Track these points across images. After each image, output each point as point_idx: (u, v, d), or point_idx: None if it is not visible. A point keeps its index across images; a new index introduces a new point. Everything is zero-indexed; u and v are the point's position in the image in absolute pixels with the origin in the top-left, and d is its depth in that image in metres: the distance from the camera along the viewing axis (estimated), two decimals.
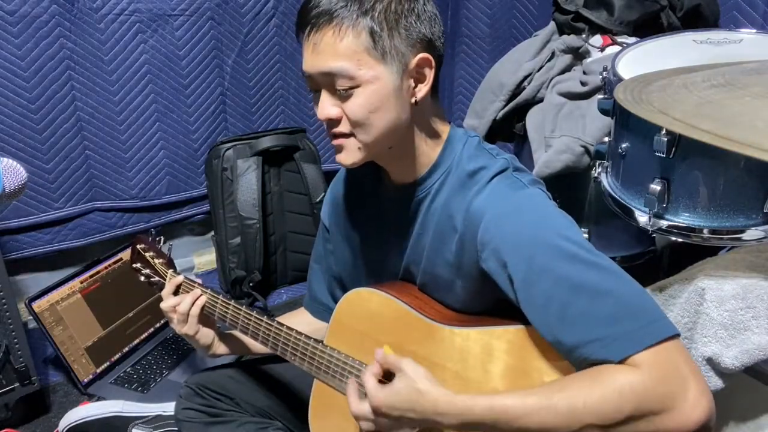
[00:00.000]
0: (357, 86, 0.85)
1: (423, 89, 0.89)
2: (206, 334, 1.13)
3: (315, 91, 0.90)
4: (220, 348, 1.16)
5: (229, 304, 1.10)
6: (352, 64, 0.84)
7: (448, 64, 2.47)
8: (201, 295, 1.12)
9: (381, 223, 1.03)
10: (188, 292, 1.13)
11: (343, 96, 0.86)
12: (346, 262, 1.13)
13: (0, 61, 1.77)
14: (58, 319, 1.71)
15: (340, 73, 0.84)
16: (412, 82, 0.88)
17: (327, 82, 0.87)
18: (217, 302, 1.11)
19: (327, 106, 0.88)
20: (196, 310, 1.11)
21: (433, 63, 0.88)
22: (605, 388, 0.73)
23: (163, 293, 1.15)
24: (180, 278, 1.15)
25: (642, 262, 1.61)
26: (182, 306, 1.10)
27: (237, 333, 1.15)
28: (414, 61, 0.86)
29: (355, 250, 1.10)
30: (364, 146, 0.90)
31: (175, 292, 1.15)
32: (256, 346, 1.16)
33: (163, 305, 1.12)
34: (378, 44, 0.84)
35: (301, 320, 1.19)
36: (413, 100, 0.89)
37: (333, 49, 0.84)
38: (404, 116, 0.89)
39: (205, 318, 1.14)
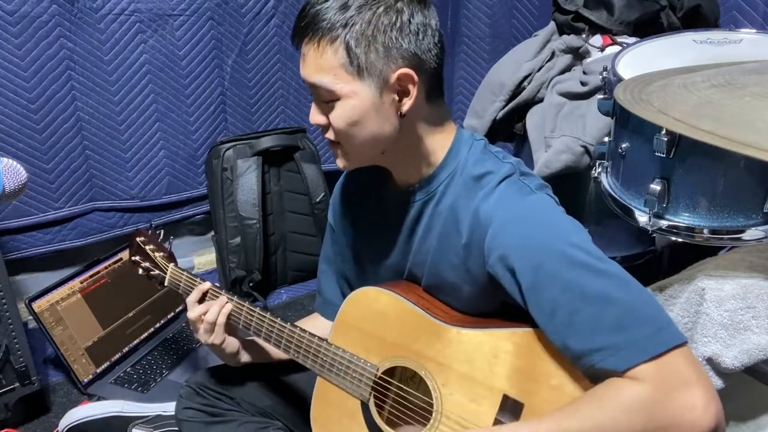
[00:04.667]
0: (337, 99, 0.87)
1: (408, 103, 0.88)
2: (232, 343, 1.12)
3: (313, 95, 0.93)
4: (245, 356, 1.15)
5: (243, 306, 1.10)
6: (330, 78, 0.86)
7: (448, 64, 2.46)
8: (227, 302, 1.10)
9: (385, 223, 1.03)
10: (213, 299, 1.11)
11: (326, 107, 0.89)
12: (350, 261, 1.13)
13: (0, 61, 1.77)
14: (58, 319, 1.71)
15: (320, 86, 0.87)
16: (395, 96, 0.88)
17: (315, 91, 0.90)
18: (242, 309, 1.10)
19: (315, 114, 0.92)
20: (222, 320, 1.09)
21: (416, 78, 0.87)
22: (614, 407, 0.73)
23: (188, 301, 1.12)
24: (207, 285, 1.13)
25: (642, 262, 1.61)
26: (210, 315, 1.08)
27: (255, 338, 1.14)
28: (394, 76, 0.86)
29: (359, 250, 1.10)
30: (351, 154, 0.93)
31: (200, 300, 1.12)
32: (271, 350, 1.16)
33: (190, 315, 1.09)
34: (354, 61, 0.85)
35: (313, 325, 1.18)
36: (399, 113, 0.89)
37: (315, 64, 0.86)
38: (388, 128, 0.89)
39: (229, 326, 1.12)
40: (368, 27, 0.84)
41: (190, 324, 1.11)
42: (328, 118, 0.90)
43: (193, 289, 1.13)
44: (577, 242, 0.81)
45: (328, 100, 0.88)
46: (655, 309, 0.77)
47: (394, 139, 0.91)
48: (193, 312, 1.09)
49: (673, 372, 0.73)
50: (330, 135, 0.92)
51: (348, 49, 0.84)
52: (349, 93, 0.86)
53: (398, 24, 0.85)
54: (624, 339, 0.75)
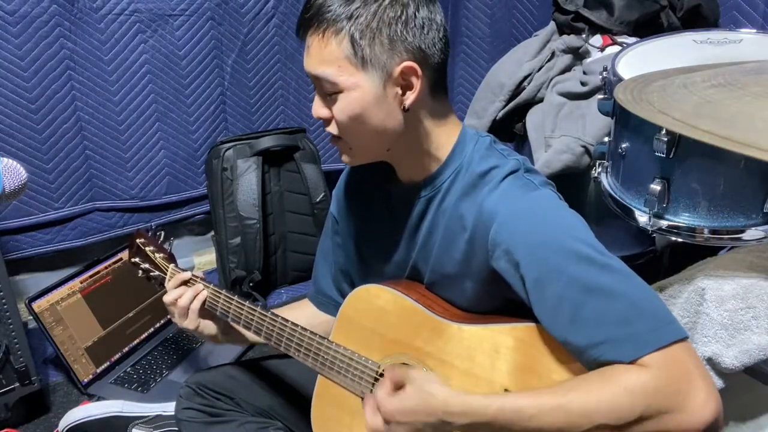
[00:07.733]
0: (339, 91, 0.87)
1: (411, 97, 0.88)
2: (208, 327, 1.14)
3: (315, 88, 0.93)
4: (226, 338, 1.17)
5: (232, 300, 1.10)
6: (334, 70, 0.86)
7: (448, 64, 2.47)
8: (203, 290, 1.12)
9: (390, 219, 1.03)
10: (191, 287, 1.13)
11: (329, 99, 0.89)
12: (352, 256, 1.13)
13: (0, 61, 1.77)
14: (58, 319, 1.71)
15: (324, 78, 0.87)
16: (398, 90, 0.88)
17: (318, 83, 0.89)
18: (219, 298, 1.11)
19: (318, 107, 0.92)
20: (196, 305, 1.11)
21: (419, 72, 0.87)
22: (617, 387, 0.73)
23: (168, 286, 1.15)
24: (187, 274, 1.15)
25: (642, 262, 1.61)
26: (183, 300, 1.10)
27: (240, 328, 1.15)
28: (397, 69, 0.86)
29: (361, 245, 1.10)
30: (355, 149, 0.93)
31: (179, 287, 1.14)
32: (261, 340, 1.16)
33: (165, 298, 1.13)
34: (358, 53, 0.84)
35: (302, 313, 1.19)
36: (402, 107, 0.89)
37: (319, 55, 0.86)
38: (392, 122, 0.89)
39: (207, 312, 1.14)
40: (373, 19, 0.84)
41: (166, 308, 1.13)
42: (331, 111, 0.90)
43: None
44: (581, 237, 0.82)
45: (331, 92, 0.88)
46: (657, 304, 0.78)
47: (398, 134, 0.91)
48: (168, 296, 1.12)
49: (676, 364, 0.73)
50: (333, 129, 0.91)
51: (353, 41, 0.84)
52: (352, 85, 0.86)
53: (403, 17, 0.85)
54: (629, 332, 0.75)
